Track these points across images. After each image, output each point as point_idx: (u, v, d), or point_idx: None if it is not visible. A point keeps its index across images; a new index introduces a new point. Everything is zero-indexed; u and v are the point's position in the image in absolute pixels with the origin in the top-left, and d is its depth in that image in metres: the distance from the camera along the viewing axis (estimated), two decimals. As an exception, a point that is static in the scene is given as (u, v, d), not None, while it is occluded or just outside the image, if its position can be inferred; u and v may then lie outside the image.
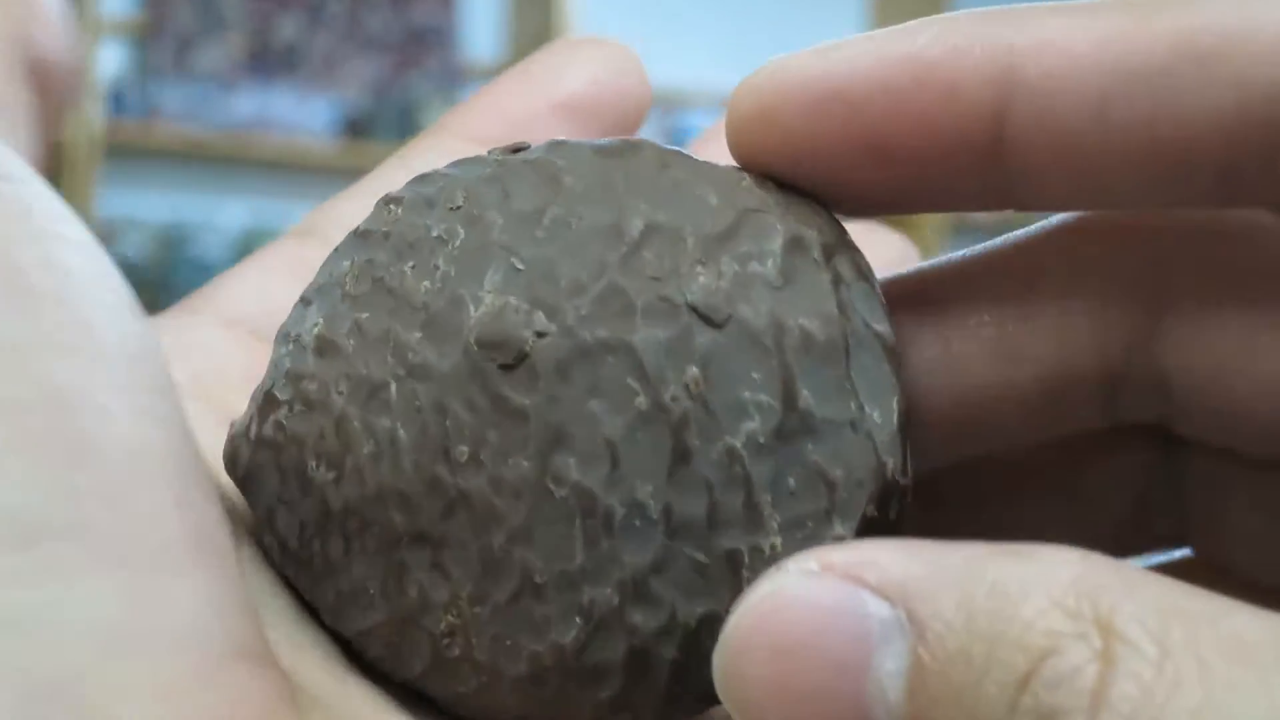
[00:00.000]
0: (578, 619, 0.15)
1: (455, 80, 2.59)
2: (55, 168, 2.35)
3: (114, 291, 0.14)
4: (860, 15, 3.06)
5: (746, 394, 0.15)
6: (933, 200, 0.17)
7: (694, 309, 0.15)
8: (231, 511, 0.16)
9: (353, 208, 0.21)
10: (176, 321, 0.19)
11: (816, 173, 0.17)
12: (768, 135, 0.16)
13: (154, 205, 2.43)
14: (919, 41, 0.16)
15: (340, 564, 0.15)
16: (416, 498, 0.15)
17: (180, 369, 0.16)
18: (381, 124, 2.48)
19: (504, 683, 0.15)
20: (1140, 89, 0.15)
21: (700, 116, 2.83)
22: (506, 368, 0.15)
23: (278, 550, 0.16)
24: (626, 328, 0.15)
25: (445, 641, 0.15)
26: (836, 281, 0.16)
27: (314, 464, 0.15)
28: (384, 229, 0.17)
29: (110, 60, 2.36)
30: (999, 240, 0.19)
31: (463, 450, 0.15)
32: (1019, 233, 0.19)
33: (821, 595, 0.13)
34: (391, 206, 0.17)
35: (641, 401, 0.15)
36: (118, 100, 2.34)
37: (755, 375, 0.15)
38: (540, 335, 0.15)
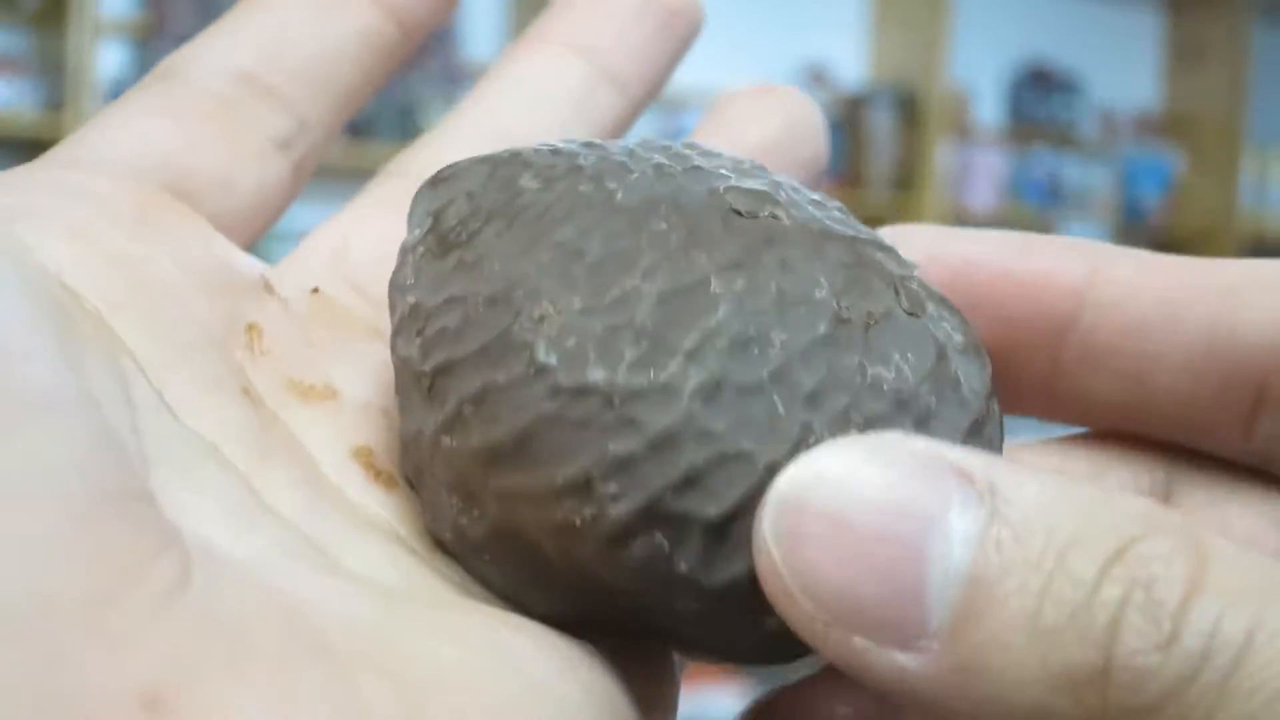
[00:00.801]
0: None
1: (455, 80, 2.59)
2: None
3: None
4: (860, 15, 3.06)
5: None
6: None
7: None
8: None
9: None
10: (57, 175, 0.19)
11: None
12: None
13: (154, 205, 2.42)
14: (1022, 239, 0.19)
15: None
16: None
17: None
18: (381, 124, 2.48)
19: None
20: (1210, 295, 0.18)
21: (700, 116, 2.82)
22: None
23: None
24: None
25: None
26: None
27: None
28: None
29: (110, 60, 2.36)
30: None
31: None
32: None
33: (900, 458, 0.14)
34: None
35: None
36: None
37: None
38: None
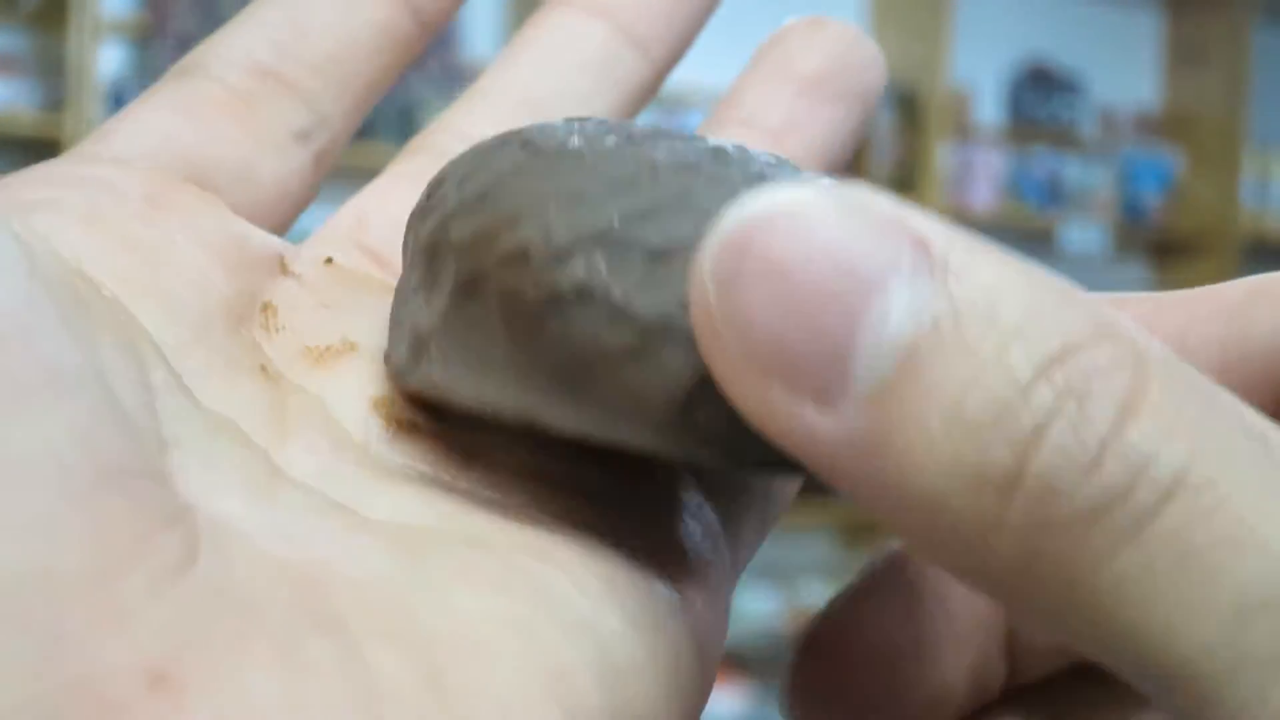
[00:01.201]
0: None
1: (455, 80, 2.59)
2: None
3: None
4: (861, 15, 3.05)
5: None
6: None
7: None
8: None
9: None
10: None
11: None
12: None
13: (154, 205, 2.42)
14: None
15: None
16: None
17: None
18: (381, 124, 2.48)
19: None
20: (1218, 318, 0.18)
21: (700, 116, 2.82)
22: None
23: None
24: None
25: None
26: None
27: None
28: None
29: (110, 60, 2.36)
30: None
31: None
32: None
33: (857, 212, 0.13)
34: None
35: None
36: (118, 100, 2.34)
37: None
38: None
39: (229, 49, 0.22)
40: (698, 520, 0.18)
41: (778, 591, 2.71)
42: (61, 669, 0.11)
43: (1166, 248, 3.32)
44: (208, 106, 0.20)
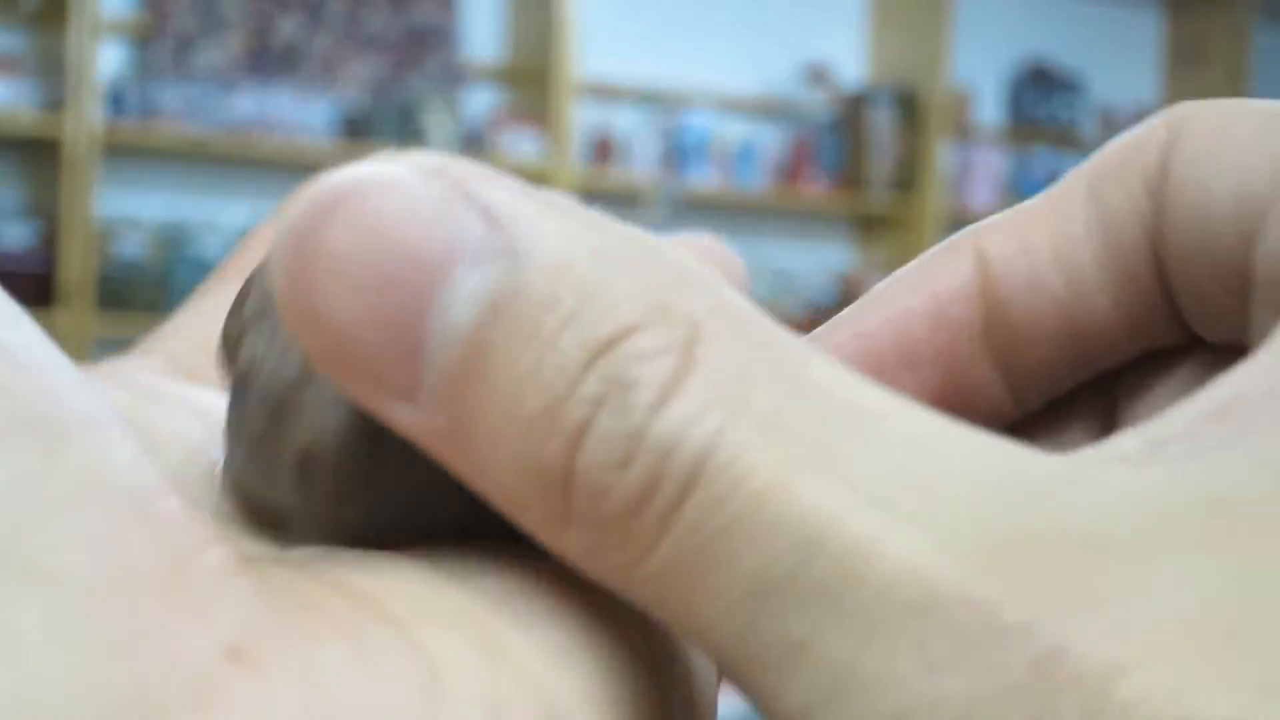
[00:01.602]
0: None
1: (455, 80, 2.59)
2: (55, 168, 2.35)
3: None
4: (861, 15, 3.06)
5: None
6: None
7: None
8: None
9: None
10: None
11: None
12: None
13: (153, 205, 2.43)
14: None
15: None
16: None
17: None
18: (381, 124, 2.48)
19: None
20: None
21: (700, 116, 2.83)
22: None
23: None
24: None
25: None
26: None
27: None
28: None
29: (110, 60, 2.36)
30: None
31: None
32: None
33: (424, 187, 0.12)
34: None
35: None
36: (117, 100, 2.34)
37: None
38: None
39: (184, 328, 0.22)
40: None
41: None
42: (146, 656, 0.12)
43: (1167, 248, 3.32)
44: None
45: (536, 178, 2.77)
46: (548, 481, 0.12)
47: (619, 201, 2.72)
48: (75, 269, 2.22)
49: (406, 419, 0.13)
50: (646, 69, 2.80)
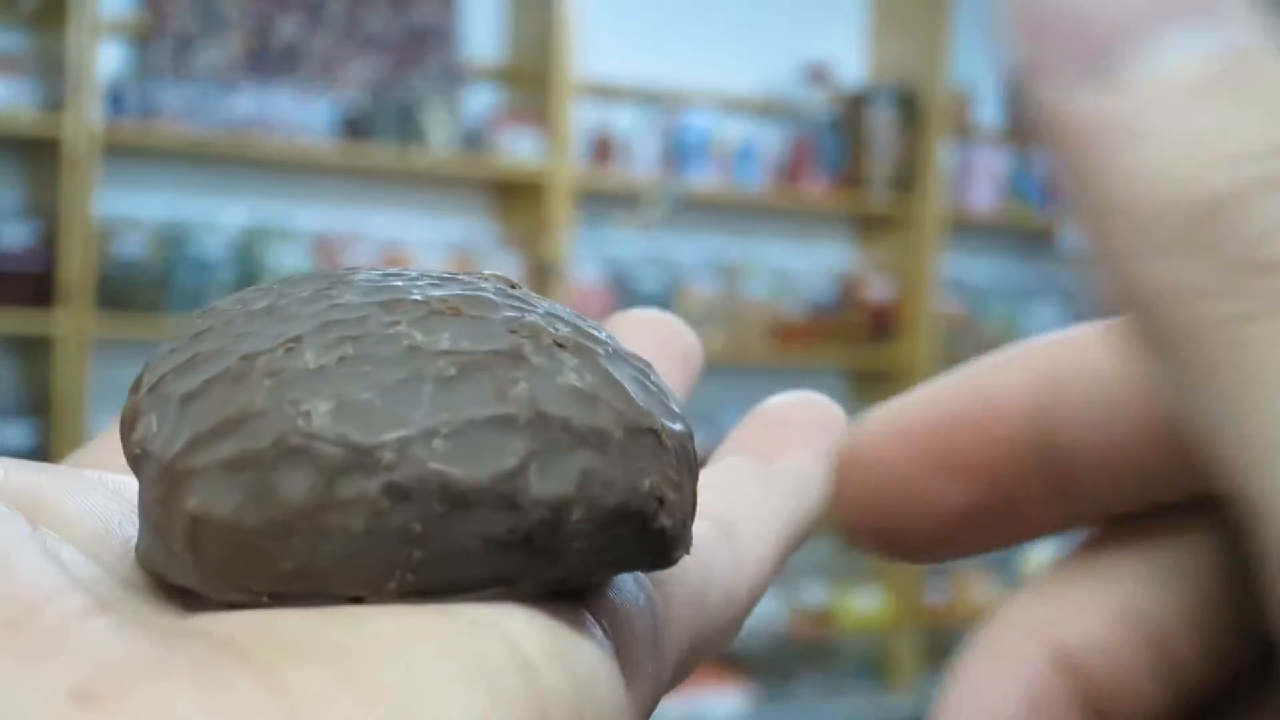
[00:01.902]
0: None
1: (455, 80, 2.59)
2: (55, 168, 2.34)
3: None
4: (861, 15, 3.06)
5: None
6: (1009, 528, 0.18)
7: None
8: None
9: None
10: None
11: (911, 504, 0.17)
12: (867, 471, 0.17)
13: (153, 205, 2.43)
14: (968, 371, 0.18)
15: None
16: None
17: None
18: (381, 124, 2.48)
19: None
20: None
21: (700, 116, 2.83)
22: None
23: None
24: None
25: None
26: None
27: None
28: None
29: (110, 60, 2.36)
30: None
31: None
32: None
33: None
34: None
35: None
36: (117, 100, 2.34)
37: None
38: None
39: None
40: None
41: (778, 592, 2.71)
42: None
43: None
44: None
45: (536, 177, 2.74)
46: (1192, 204, 0.12)
47: (619, 201, 2.72)
48: (75, 269, 2.22)
49: (1079, 102, 0.13)
50: (646, 69, 2.80)
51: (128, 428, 0.17)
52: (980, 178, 3.04)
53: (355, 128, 2.48)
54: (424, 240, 2.57)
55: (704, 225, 2.85)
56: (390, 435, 0.15)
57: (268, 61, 2.45)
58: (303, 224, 2.48)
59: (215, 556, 0.16)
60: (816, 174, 2.91)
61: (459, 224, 2.64)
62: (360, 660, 0.14)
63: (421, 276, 0.18)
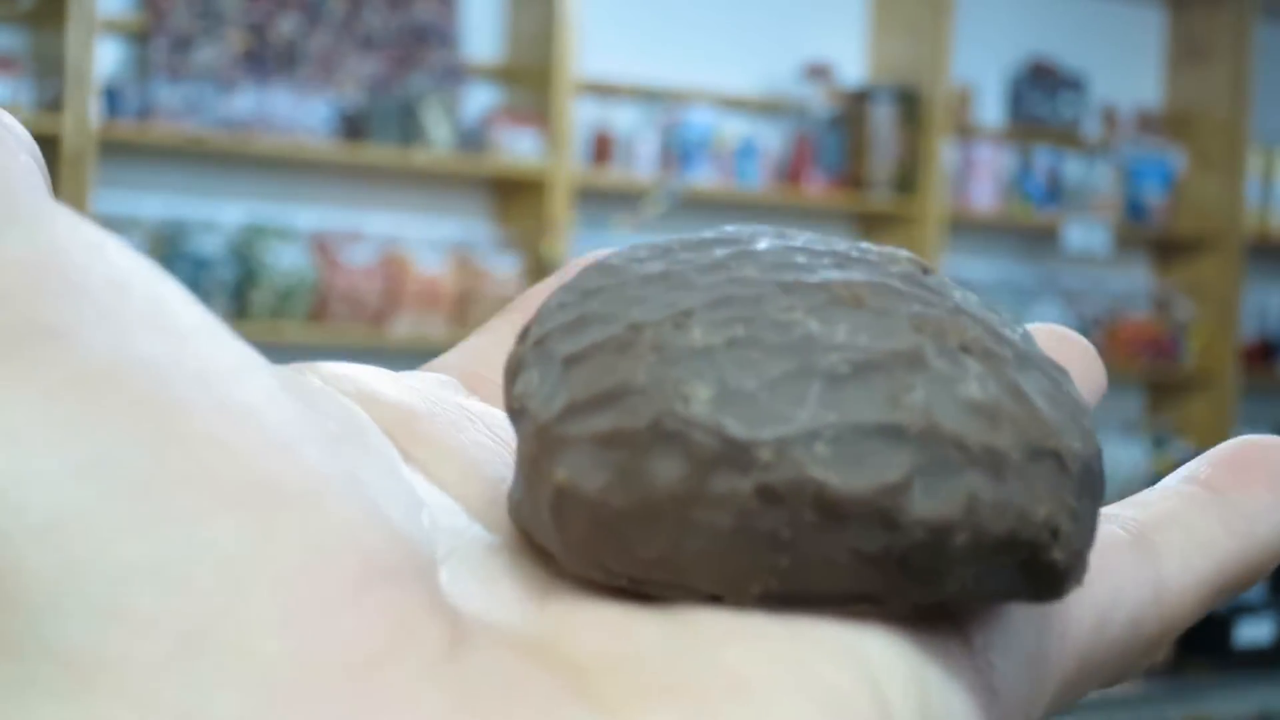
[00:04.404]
0: None
1: (455, 80, 2.59)
2: (53, 166, 2.35)
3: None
4: (861, 14, 3.05)
5: None
6: None
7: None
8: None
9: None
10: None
11: None
12: None
13: (151, 203, 2.42)
14: None
15: None
16: None
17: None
18: (380, 123, 2.47)
19: None
20: None
21: (700, 115, 2.82)
22: None
23: None
24: None
25: None
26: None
27: None
28: None
29: (108, 58, 2.35)
30: None
31: None
32: None
33: None
34: None
35: None
36: (115, 98, 2.33)
37: None
38: None
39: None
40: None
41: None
42: None
43: (1169, 246, 3.31)
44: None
45: (536, 176, 2.75)
46: None
47: (619, 200, 2.71)
48: (73, 269, 2.21)
49: None
50: (646, 68, 2.79)
51: (510, 378, 0.16)
52: (981, 177, 3.04)
53: (354, 127, 2.47)
54: (423, 239, 2.56)
55: (704, 224, 2.84)
56: (770, 433, 0.14)
57: (266, 60, 2.44)
58: (301, 223, 2.47)
59: (578, 531, 0.15)
60: (817, 173, 2.90)
61: (458, 223, 2.64)
62: (713, 700, 0.13)
63: (829, 252, 0.17)
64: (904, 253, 0.17)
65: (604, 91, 2.74)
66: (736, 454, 0.14)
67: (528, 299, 0.22)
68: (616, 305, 0.16)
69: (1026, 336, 0.17)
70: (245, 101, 2.41)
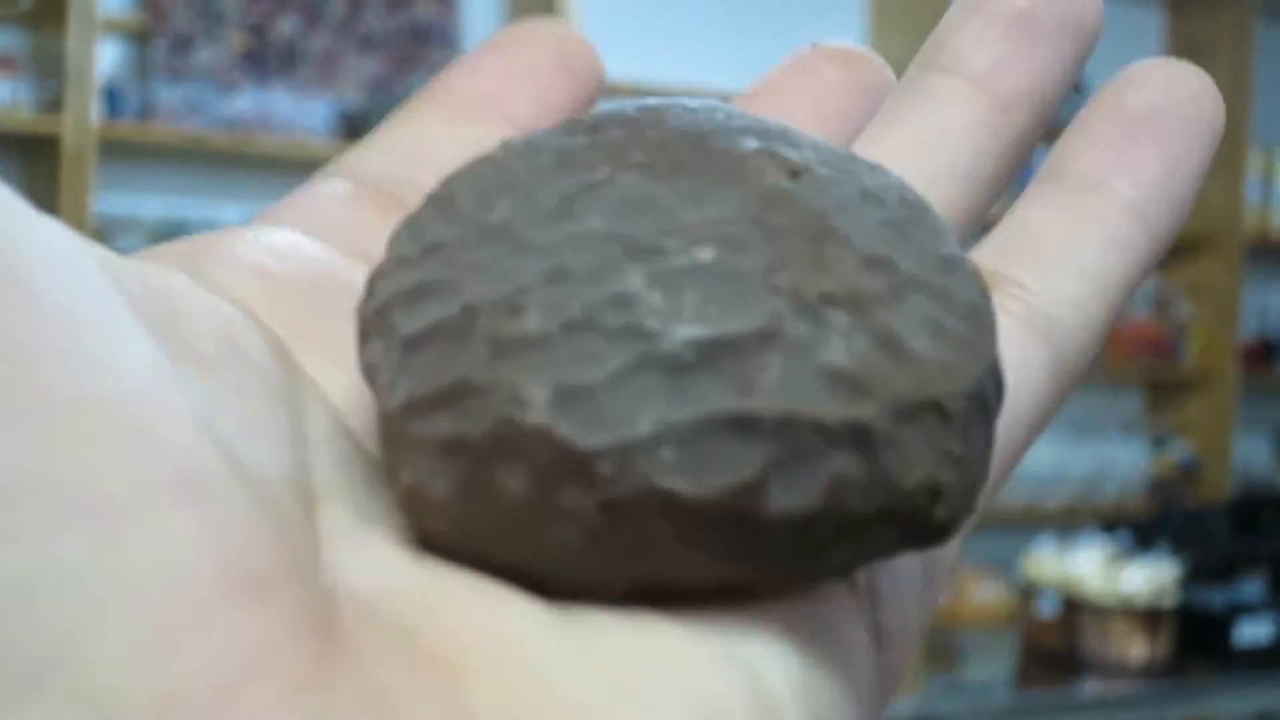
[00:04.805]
0: None
1: (454, 79, 2.58)
2: (53, 167, 2.34)
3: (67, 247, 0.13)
4: (860, 15, 3.05)
5: None
6: None
7: None
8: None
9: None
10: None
11: None
12: None
13: (152, 204, 2.42)
14: None
15: None
16: None
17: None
18: (380, 123, 2.46)
19: None
20: None
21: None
22: None
23: None
24: None
25: None
26: None
27: None
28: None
29: (108, 59, 2.36)
30: None
31: None
32: None
33: None
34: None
35: None
36: (115, 99, 2.33)
37: None
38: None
39: (358, 159, 0.22)
40: None
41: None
42: None
43: (1170, 246, 3.31)
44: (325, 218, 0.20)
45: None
46: None
47: (619, 200, 2.71)
48: (73, 269, 2.21)
49: None
50: (646, 68, 2.79)
51: (360, 338, 0.15)
52: (981, 177, 3.04)
53: (354, 127, 2.47)
54: (423, 240, 2.56)
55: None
56: (611, 440, 0.13)
57: (266, 61, 2.44)
58: (302, 223, 2.47)
59: (432, 527, 0.14)
60: (817, 173, 2.90)
61: (458, 223, 2.64)
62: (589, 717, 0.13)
63: (705, 173, 0.15)
64: (781, 145, 0.16)
65: (604, 92, 2.74)
66: (577, 465, 0.13)
67: (432, 91, 0.22)
68: (454, 271, 0.15)
69: (907, 202, 0.16)
70: (245, 102, 2.41)
